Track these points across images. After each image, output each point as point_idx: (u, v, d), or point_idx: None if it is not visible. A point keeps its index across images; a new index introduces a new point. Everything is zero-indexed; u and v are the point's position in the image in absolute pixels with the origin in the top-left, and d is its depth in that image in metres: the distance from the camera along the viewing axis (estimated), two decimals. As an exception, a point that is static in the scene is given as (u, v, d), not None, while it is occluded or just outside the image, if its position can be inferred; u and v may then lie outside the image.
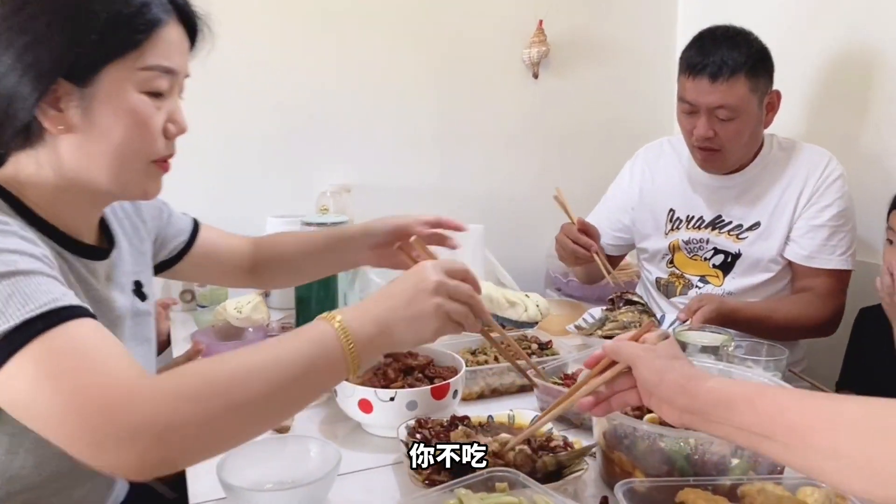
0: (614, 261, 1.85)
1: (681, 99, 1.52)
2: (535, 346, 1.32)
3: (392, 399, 1.02)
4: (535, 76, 2.18)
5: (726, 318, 1.43)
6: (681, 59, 1.53)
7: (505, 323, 1.53)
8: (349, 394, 1.05)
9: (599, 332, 1.44)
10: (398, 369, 1.11)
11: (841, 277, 1.54)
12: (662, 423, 0.91)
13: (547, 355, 1.30)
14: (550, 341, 1.36)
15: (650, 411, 0.97)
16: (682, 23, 2.28)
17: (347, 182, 1.99)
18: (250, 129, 1.95)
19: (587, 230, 1.55)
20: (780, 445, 0.63)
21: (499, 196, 2.20)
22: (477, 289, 0.82)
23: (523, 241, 2.26)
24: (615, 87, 2.28)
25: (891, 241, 1.46)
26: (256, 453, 0.91)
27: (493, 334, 0.96)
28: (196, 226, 1.14)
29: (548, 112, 2.23)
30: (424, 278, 0.78)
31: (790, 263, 1.57)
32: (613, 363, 0.79)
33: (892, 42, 1.66)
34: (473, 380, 1.21)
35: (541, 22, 2.13)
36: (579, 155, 2.28)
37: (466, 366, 1.20)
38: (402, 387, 1.06)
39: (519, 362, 1.02)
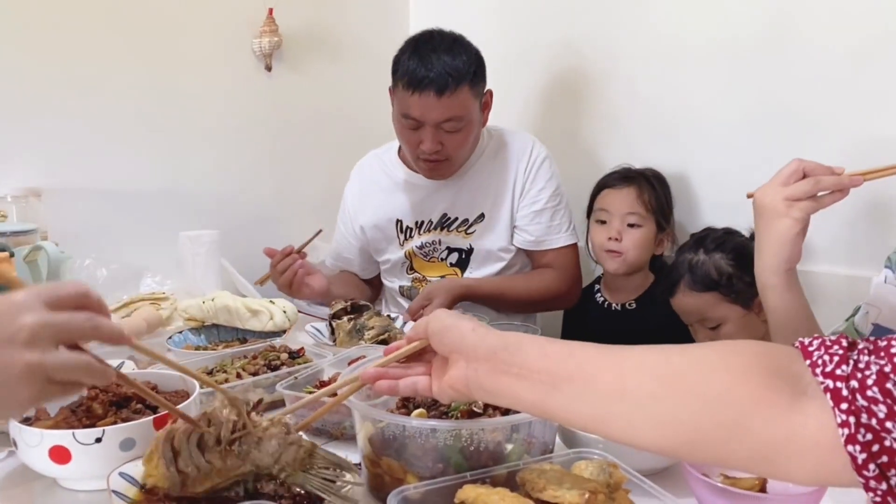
0: (376, 285, 1.81)
1: (405, 115, 1.45)
2: (284, 355, 1.16)
3: (98, 440, 0.78)
4: (269, 69, 2.02)
5: (463, 298, 1.46)
6: (398, 71, 1.45)
7: (248, 336, 1.35)
8: (34, 442, 0.78)
9: (363, 342, 1.29)
10: (107, 402, 0.87)
11: (571, 251, 1.62)
12: (432, 418, 0.83)
13: (298, 364, 1.15)
14: (302, 349, 1.20)
15: (417, 406, 0.89)
16: (414, 21, 2.30)
17: (36, 185, 1.61)
18: None
19: (271, 252, 1.50)
20: (567, 394, 0.58)
21: (235, 198, 1.99)
22: (103, 311, 0.59)
23: (264, 245, 2.06)
24: (352, 83, 2.21)
25: (602, 221, 1.59)
26: None
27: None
28: None
29: (284, 107, 2.07)
30: (10, 322, 0.53)
31: (521, 249, 1.62)
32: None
33: (606, 45, 1.83)
34: (211, 403, 1.01)
35: (271, 10, 1.97)
36: (318, 153, 2.16)
37: (202, 387, 1.00)
38: (115, 422, 0.83)
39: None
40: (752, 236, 1.42)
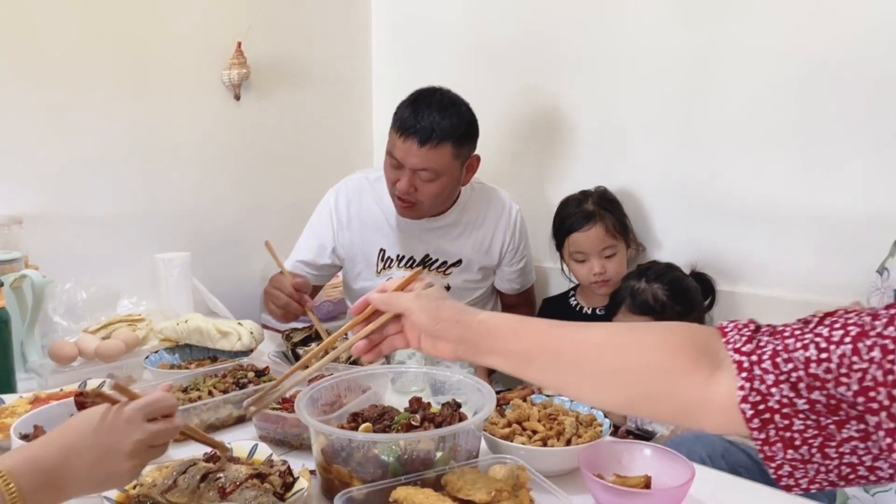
0: (316, 290, 1.86)
1: (389, 153, 1.60)
2: (251, 374, 1.30)
3: (90, 454, 0.92)
4: (237, 98, 2.15)
5: None
6: (395, 115, 1.61)
7: (218, 354, 1.49)
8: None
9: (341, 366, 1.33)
10: (96, 419, 1.01)
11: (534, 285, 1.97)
12: (376, 431, 0.99)
13: (264, 381, 1.29)
14: (267, 367, 1.35)
15: (365, 421, 1.04)
16: (377, 55, 2.45)
17: (17, 212, 1.72)
18: None
19: (300, 286, 1.54)
20: (537, 367, 0.76)
21: (206, 221, 2.11)
22: (174, 411, 0.79)
23: (234, 265, 2.20)
24: (317, 110, 2.35)
25: (581, 261, 1.74)
26: None
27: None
28: None
29: (252, 134, 2.20)
30: (120, 439, 0.72)
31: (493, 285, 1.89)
32: (379, 311, 0.85)
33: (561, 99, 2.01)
34: (186, 418, 1.15)
35: (239, 44, 2.10)
36: (285, 177, 2.29)
37: (181, 403, 1.14)
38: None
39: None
40: (692, 274, 1.61)
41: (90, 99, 1.87)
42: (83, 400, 1.05)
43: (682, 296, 1.54)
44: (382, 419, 1.02)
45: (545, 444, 1.00)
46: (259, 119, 2.21)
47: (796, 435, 0.63)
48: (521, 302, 1.95)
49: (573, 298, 1.89)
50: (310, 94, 2.32)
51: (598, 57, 1.89)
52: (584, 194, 1.77)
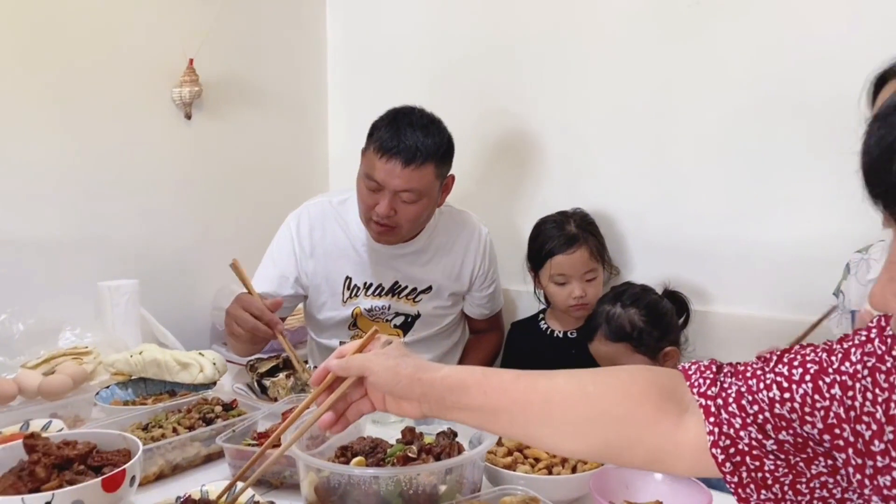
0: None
1: (368, 176, 1.52)
2: (218, 408, 1.20)
3: (47, 504, 0.81)
4: (188, 117, 2.04)
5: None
6: (373, 135, 1.53)
7: (176, 388, 1.37)
8: (-21, 510, 0.80)
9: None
10: (49, 465, 0.89)
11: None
12: (370, 465, 0.91)
13: (232, 417, 1.19)
14: (235, 401, 1.24)
15: (355, 454, 0.96)
16: (332, 74, 2.39)
17: (-55, 237, 1.56)
18: None
19: (275, 308, 1.42)
20: (505, 420, 0.73)
21: (154, 246, 1.97)
22: None
23: (184, 295, 2.06)
24: (271, 130, 2.26)
25: (562, 284, 1.69)
26: None
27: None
28: None
29: (203, 155, 2.09)
30: None
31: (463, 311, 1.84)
32: (340, 378, 0.78)
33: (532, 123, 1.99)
34: (150, 459, 1.04)
35: (191, 61, 2.00)
36: (238, 200, 2.18)
37: (144, 444, 1.03)
38: (60, 485, 0.85)
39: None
40: (665, 293, 1.59)
41: (29, 114, 1.73)
42: (33, 443, 0.94)
43: (659, 320, 1.50)
44: (375, 452, 0.95)
45: (550, 472, 0.95)
46: (211, 139, 2.10)
47: (768, 475, 0.63)
48: (489, 327, 1.91)
49: (543, 322, 1.84)
50: (264, 114, 2.23)
51: (564, 79, 1.89)
52: (564, 216, 1.73)
